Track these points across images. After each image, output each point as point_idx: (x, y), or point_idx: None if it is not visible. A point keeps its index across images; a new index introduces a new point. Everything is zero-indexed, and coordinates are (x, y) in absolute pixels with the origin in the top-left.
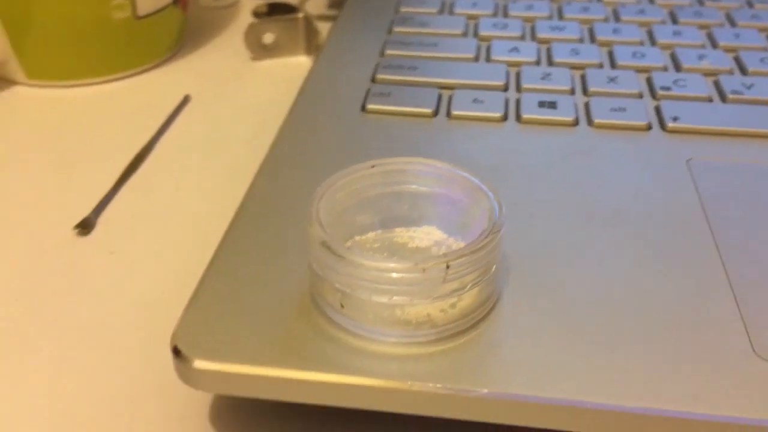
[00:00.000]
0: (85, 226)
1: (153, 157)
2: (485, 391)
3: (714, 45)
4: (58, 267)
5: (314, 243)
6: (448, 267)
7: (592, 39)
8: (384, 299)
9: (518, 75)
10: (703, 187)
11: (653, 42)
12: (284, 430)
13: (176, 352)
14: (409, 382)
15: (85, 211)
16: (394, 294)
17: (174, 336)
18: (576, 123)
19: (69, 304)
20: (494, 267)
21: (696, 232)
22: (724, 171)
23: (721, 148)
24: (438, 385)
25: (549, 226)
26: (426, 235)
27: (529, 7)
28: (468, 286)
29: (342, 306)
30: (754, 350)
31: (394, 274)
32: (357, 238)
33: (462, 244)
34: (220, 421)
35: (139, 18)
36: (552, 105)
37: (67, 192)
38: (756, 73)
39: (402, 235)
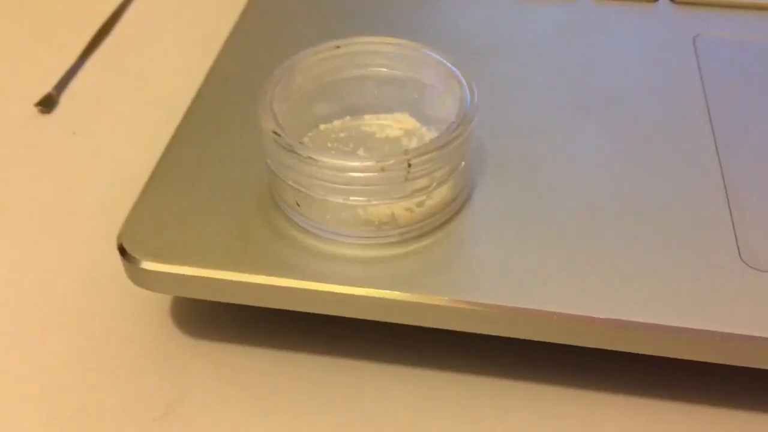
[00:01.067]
0: (47, 104)
1: (120, 27)
2: (446, 299)
3: None
4: (17, 147)
5: (266, 136)
6: (409, 165)
7: None
8: (340, 199)
9: None
10: (706, 72)
11: None
12: (247, 324)
13: (122, 251)
14: (367, 289)
15: (47, 87)
16: (352, 194)
17: (120, 234)
18: None
19: (29, 186)
20: (463, 163)
21: (694, 124)
22: (731, 50)
23: (731, 22)
24: (397, 293)
25: (535, 113)
26: (397, 123)
27: None
28: (434, 185)
29: (298, 204)
30: (741, 258)
31: (351, 174)
32: (321, 127)
33: (435, 135)
34: (182, 316)
35: None
36: None
37: (29, 65)
38: None
39: (371, 123)
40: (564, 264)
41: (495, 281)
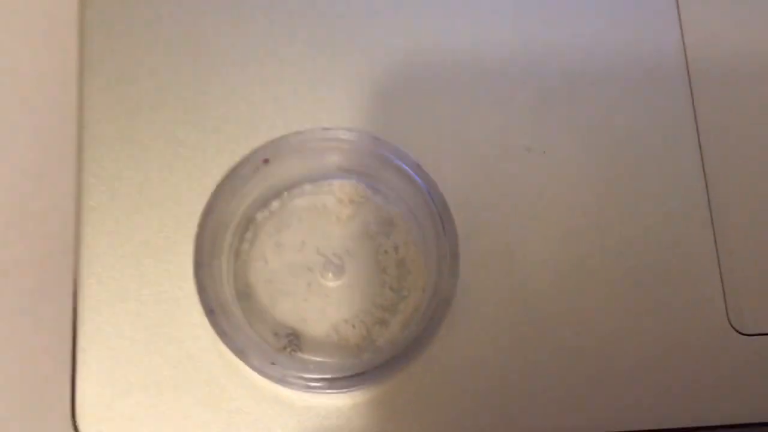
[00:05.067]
0: None
1: None
2: None
3: None
4: None
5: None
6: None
7: None
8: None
9: None
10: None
11: None
12: None
13: None
14: None
15: None
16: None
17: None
18: None
19: None
20: None
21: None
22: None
23: None
24: None
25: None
26: (343, 194)
27: None
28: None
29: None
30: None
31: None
32: (258, 218)
33: (392, 208)
34: None
35: None
36: None
37: None
38: None
39: (314, 198)
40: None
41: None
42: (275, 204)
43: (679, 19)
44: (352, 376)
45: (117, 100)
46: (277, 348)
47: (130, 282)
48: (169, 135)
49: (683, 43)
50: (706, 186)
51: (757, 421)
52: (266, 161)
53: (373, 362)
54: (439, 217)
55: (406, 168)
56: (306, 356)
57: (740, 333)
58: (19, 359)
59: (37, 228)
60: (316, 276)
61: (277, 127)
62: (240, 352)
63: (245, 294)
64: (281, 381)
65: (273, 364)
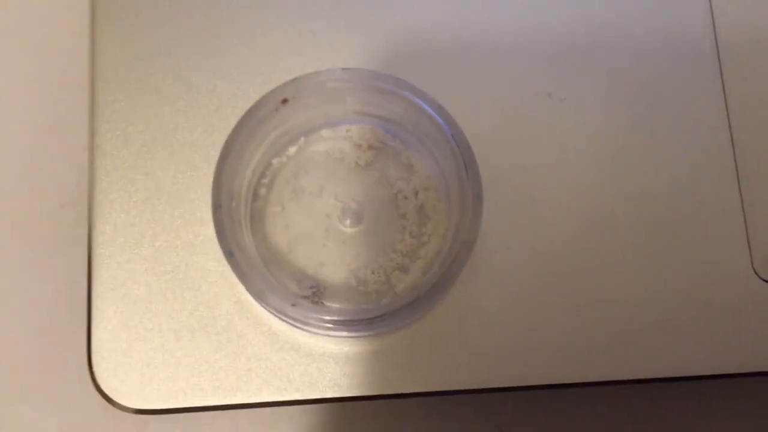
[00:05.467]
0: None
1: None
2: None
3: None
4: None
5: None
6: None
7: None
8: None
9: None
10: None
11: None
12: None
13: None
14: None
15: None
16: None
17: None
18: None
19: None
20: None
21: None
22: None
23: None
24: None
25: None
26: (361, 139)
27: None
28: None
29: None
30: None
31: None
32: (274, 162)
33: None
34: None
35: None
36: None
37: None
38: None
39: (331, 142)
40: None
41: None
42: (292, 149)
43: None
44: (370, 319)
45: (130, 45)
46: (301, 294)
47: (145, 228)
48: (183, 80)
49: None
50: (731, 134)
51: None
52: (285, 101)
53: (392, 306)
54: (462, 158)
55: (428, 108)
56: (326, 303)
57: (765, 280)
58: (34, 308)
59: (50, 177)
60: (335, 222)
61: (295, 72)
62: (260, 294)
63: (263, 240)
64: (301, 323)
65: (293, 305)
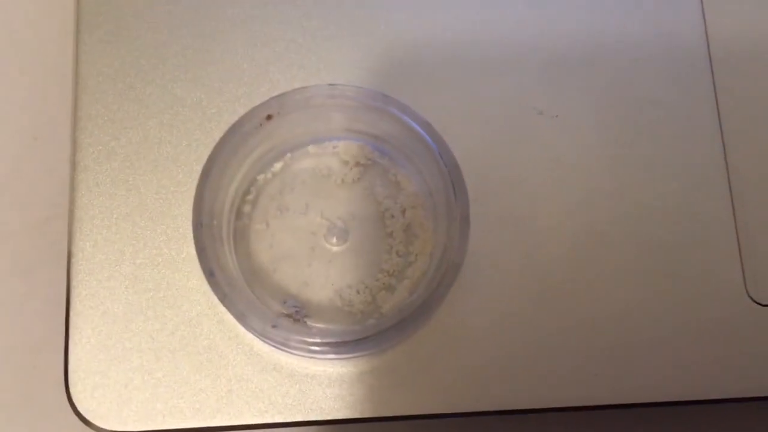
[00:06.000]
0: None
1: None
2: None
3: None
4: None
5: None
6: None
7: None
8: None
9: None
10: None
11: None
12: None
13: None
14: None
15: None
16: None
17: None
18: None
19: None
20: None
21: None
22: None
23: None
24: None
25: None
26: (348, 156)
27: None
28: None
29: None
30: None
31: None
32: (259, 179)
33: (400, 171)
34: None
35: None
36: None
37: None
38: None
39: (318, 159)
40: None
41: None
42: (278, 165)
43: None
44: (356, 341)
45: (114, 57)
46: (285, 313)
47: (126, 245)
48: (168, 93)
49: (702, 8)
50: (725, 153)
51: None
52: (270, 117)
53: (378, 327)
54: (450, 177)
55: (416, 126)
56: (309, 322)
57: (758, 303)
58: (10, 325)
59: (31, 191)
60: (320, 240)
61: (281, 87)
62: (241, 315)
63: (246, 258)
64: (283, 345)
65: (275, 327)
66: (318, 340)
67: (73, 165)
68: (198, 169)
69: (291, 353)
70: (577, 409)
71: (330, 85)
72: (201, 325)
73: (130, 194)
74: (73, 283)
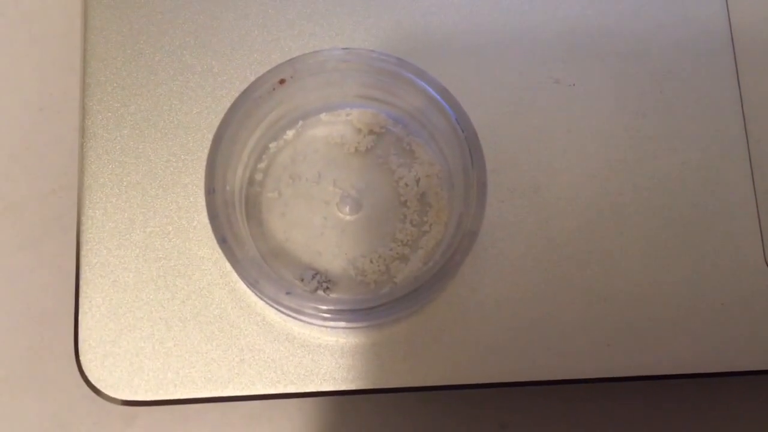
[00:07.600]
0: None
1: None
2: None
3: None
4: None
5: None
6: None
7: None
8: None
9: None
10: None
11: None
12: None
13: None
14: None
15: None
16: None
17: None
18: None
19: None
20: None
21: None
22: None
23: None
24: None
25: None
26: (362, 123)
27: None
28: None
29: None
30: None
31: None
32: (271, 147)
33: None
34: None
35: None
36: None
37: None
38: None
39: (330, 127)
40: None
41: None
42: (290, 133)
43: None
44: (369, 309)
45: (123, 23)
46: (308, 290)
47: (136, 213)
48: (178, 60)
49: None
50: (744, 123)
51: None
52: (282, 82)
53: (391, 296)
54: (467, 144)
55: (432, 91)
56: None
57: None
58: (20, 295)
59: (41, 161)
60: (333, 209)
61: (294, 52)
62: (254, 283)
63: (258, 226)
64: (296, 312)
65: (288, 293)
66: (331, 308)
67: (82, 132)
68: (209, 136)
69: (303, 321)
70: (591, 380)
71: (344, 48)
72: (212, 294)
73: (140, 162)
74: (83, 252)
